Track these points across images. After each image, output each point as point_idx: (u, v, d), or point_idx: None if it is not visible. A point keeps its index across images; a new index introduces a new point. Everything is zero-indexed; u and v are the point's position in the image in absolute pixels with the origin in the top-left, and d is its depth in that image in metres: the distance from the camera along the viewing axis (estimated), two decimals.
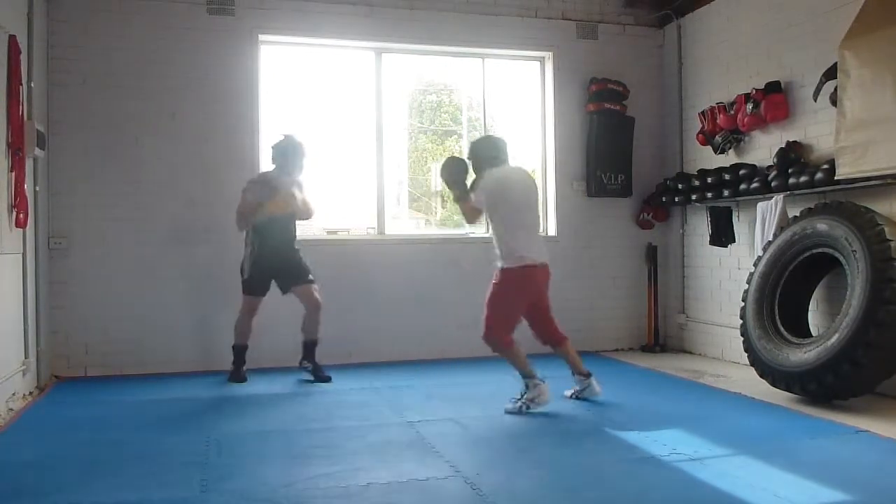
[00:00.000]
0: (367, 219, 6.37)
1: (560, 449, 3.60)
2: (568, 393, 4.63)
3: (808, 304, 4.92)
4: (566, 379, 4.62)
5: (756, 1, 5.66)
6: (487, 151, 4.48)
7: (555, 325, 4.59)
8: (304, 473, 3.20)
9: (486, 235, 6.47)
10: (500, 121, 6.85)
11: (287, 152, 5.11)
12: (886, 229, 4.15)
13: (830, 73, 4.65)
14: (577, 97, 6.59)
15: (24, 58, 4.66)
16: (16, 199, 4.48)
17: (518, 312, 4.39)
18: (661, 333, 6.64)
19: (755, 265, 5.01)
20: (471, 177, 4.47)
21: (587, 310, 6.56)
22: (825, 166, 4.70)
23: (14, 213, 4.48)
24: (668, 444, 3.55)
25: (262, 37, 5.92)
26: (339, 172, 6.40)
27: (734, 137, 5.75)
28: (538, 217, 4.57)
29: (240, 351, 5.18)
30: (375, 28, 6.13)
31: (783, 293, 4.79)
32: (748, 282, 5.01)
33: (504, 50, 6.53)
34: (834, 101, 4.61)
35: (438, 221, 7.03)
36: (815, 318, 4.95)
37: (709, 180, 5.87)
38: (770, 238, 5.00)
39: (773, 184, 5.12)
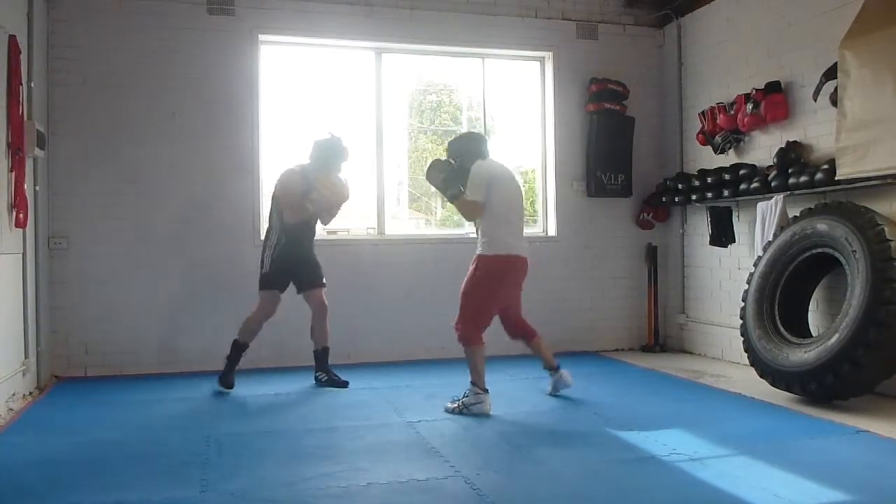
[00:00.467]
0: (367, 219, 6.37)
1: (560, 449, 3.60)
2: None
3: (809, 304, 4.92)
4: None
5: (756, 1, 5.66)
6: (475, 146, 4.51)
7: (524, 320, 4.63)
8: (304, 473, 3.20)
9: None
10: (500, 121, 6.85)
11: (331, 151, 4.95)
12: (886, 229, 4.15)
13: (830, 73, 4.65)
14: (577, 97, 6.59)
15: (24, 58, 4.66)
16: (16, 199, 4.48)
17: (495, 305, 4.39)
18: (662, 333, 6.64)
19: (755, 265, 5.01)
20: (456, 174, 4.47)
21: (587, 310, 6.57)
22: (825, 166, 4.70)
23: (14, 213, 4.48)
24: (668, 444, 3.55)
25: (262, 37, 5.92)
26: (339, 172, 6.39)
27: (734, 137, 5.75)
28: (523, 211, 4.56)
29: (240, 349, 4.96)
30: (375, 28, 6.13)
31: (783, 293, 4.79)
32: (748, 282, 5.01)
33: (504, 50, 6.53)
34: (834, 101, 4.61)
35: (438, 221, 7.03)
36: (815, 318, 4.95)
37: (709, 180, 5.87)
38: (770, 238, 5.00)
39: (773, 184, 5.12)
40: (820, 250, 4.56)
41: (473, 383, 4.28)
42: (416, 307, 6.08)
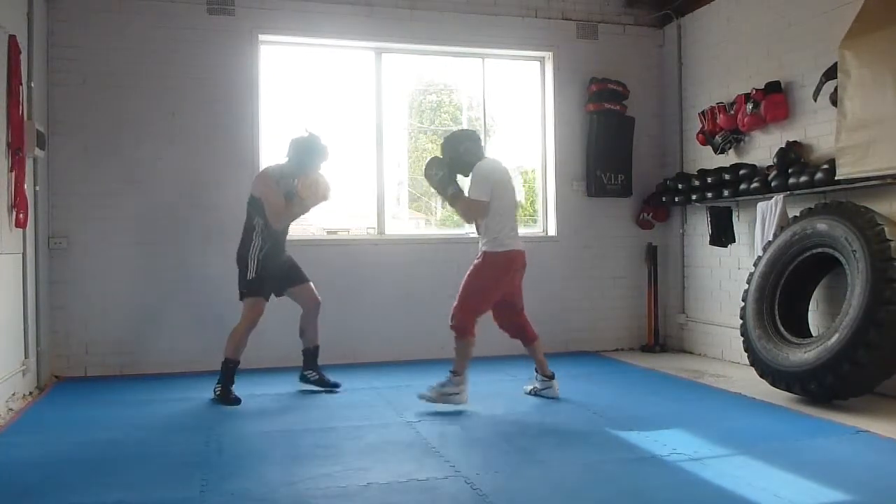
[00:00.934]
0: (367, 219, 6.37)
1: (560, 449, 3.60)
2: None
3: (809, 304, 4.92)
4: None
5: (756, 1, 5.66)
6: (474, 145, 4.52)
7: (528, 322, 4.65)
8: (304, 473, 3.20)
9: None
10: (500, 121, 6.85)
11: (309, 150, 4.75)
12: (886, 229, 4.15)
13: (830, 73, 4.65)
14: (577, 97, 6.59)
15: (24, 58, 4.66)
16: (16, 199, 4.48)
17: (492, 298, 4.43)
18: (662, 333, 6.64)
19: (755, 265, 5.01)
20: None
21: (587, 310, 6.57)
22: (825, 166, 4.70)
23: (14, 213, 4.48)
24: (668, 444, 3.55)
25: (262, 37, 5.92)
26: (339, 172, 6.38)
27: (734, 137, 5.75)
28: (518, 209, 4.61)
29: (233, 368, 4.67)
30: (375, 28, 6.13)
31: (783, 293, 4.79)
32: (748, 282, 5.01)
33: (504, 50, 6.53)
34: (834, 101, 4.61)
35: (438, 221, 7.03)
36: (815, 318, 4.95)
37: (709, 180, 5.87)
38: (770, 238, 5.00)
39: (773, 184, 5.12)
40: (820, 250, 4.56)
41: (455, 373, 4.31)
42: (415, 307, 6.08)
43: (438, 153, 4.64)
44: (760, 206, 5.21)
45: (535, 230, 6.70)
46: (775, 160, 5.20)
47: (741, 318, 4.96)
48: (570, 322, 6.52)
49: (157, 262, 5.62)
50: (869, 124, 4.30)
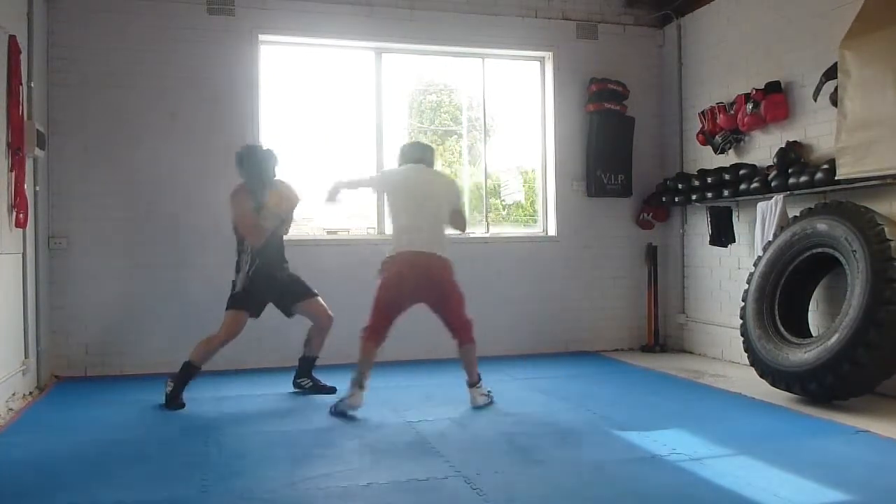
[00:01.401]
0: (368, 219, 6.37)
1: (560, 449, 3.60)
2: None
3: (809, 304, 4.92)
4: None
5: (756, 1, 5.66)
6: (403, 153, 4.65)
7: (460, 325, 4.47)
8: (304, 473, 3.20)
9: (486, 236, 6.50)
10: (500, 121, 6.85)
11: (257, 162, 4.60)
12: (886, 229, 4.15)
13: (831, 73, 4.65)
14: (577, 97, 6.59)
15: (24, 58, 4.66)
16: (16, 199, 4.48)
17: (389, 307, 4.34)
18: (662, 333, 6.64)
19: (755, 265, 5.01)
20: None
21: (587, 310, 6.57)
22: (825, 166, 4.70)
23: (14, 213, 4.48)
24: (667, 444, 3.55)
25: (261, 37, 5.92)
26: (340, 172, 6.38)
27: (734, 137, 5.75)
28: (438, 217, 4.44)
29: (192, 372, 4.55)
30: (375, 28, 6.13)
31: (783, 293, 4.79)
32: (748, 282, 5.01)
33: (504, 50, 6.53)
34: (834, 101, 4.61)
35: None
36: (815, 318, 4.95)
37: (709, 180, 5.87)
38: (770, 238, 5.00)
39: (773, 184, 5.12)
40: (820, 250, 4.56)
41: (355, 381, 4.24)
42: (415, 307, 6.05)
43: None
44: (760, 206, 5.20)
45: (535, 230, 6.70)
46: (775, 160, 5.20)
47: (741, 318, 4.96)
48: (570, 322, 6.51)
49: (157, 262, 5.62)
50: (869, 124, 4.30)
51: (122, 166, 5.57)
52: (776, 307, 4.78)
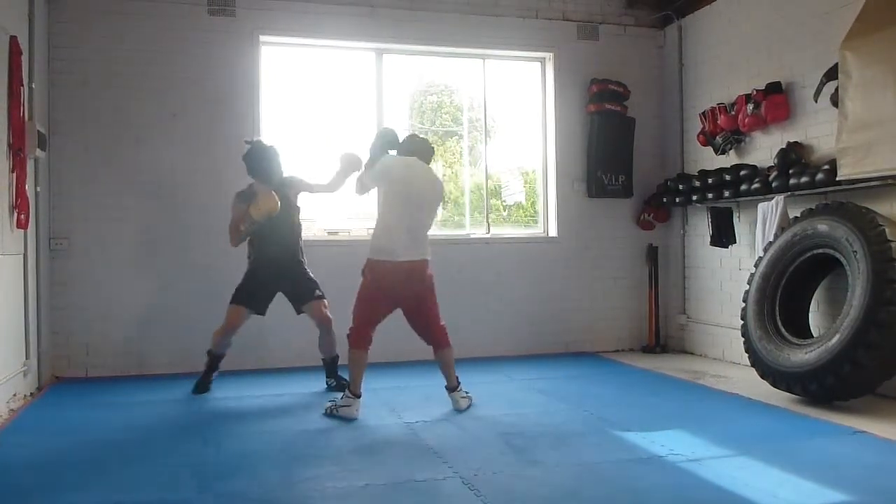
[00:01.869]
0: (368, 219, 6.36)
1: (559, 449, 3.59)
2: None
3: (809, 304, 4.92)
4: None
5: (757, 1, 5.66)
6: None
7: (437, 329, 4.44)
8: (302, 474, 3.20)
9: (487, 236, 6.50)
10: (500, 121, 6.85)
11: (261, 159, 4.79)
12: (887, 230, 4.14)
13: (831, 74, 4.64)
14: (578, 98, 6.59)
15: (25, 59, 4.67)
16: (17, 200, 4.49)
17: (373, 308, 4.28)
18: (662, 334, 6.63)
19: (756, 266, 5.00)
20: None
21: (588, 310, 6.57)
22: (826, 167, 4.69)
23: (15, 214, 4.49)
24: (667, 444, 3.54)
25: (262, 37, 5.93)
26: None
27: (735, 138, 5.74)
28: (426, 218, 4.39)
29: (213, 358, 4.92)
30: (376, 29, 6.13)
31: (784, 294, 4.79)
32: (749, 282, 5.01)
33: (505, 51, 6.53)
34: (835, 101, 4.60)
35: (438, 222, 7.02)
36: (815, 318, 4.94)
37: (709, 181, 5.86)
38: (771, 239, 4.99)
39: (773, 184, 5.11)
40: (821, 251, 4.55)
41: (349, 387, 4.22)
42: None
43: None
44: (761, 206, 5.20)
45: (535, 231, 6.70)
46: (776, 161, 5.20)
47: (742, 318, 4.95)
48: (570, 323, 6.51)
49: (158, 263, 5.63)
50: (870, 125, 4.29)
51: (123, 167, 5.58)
52: (777, 308, 4.77)
